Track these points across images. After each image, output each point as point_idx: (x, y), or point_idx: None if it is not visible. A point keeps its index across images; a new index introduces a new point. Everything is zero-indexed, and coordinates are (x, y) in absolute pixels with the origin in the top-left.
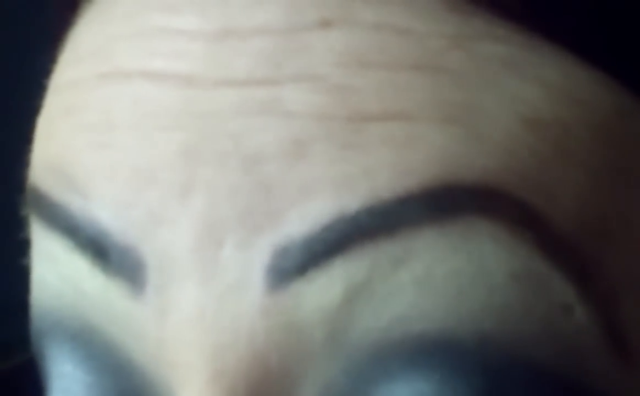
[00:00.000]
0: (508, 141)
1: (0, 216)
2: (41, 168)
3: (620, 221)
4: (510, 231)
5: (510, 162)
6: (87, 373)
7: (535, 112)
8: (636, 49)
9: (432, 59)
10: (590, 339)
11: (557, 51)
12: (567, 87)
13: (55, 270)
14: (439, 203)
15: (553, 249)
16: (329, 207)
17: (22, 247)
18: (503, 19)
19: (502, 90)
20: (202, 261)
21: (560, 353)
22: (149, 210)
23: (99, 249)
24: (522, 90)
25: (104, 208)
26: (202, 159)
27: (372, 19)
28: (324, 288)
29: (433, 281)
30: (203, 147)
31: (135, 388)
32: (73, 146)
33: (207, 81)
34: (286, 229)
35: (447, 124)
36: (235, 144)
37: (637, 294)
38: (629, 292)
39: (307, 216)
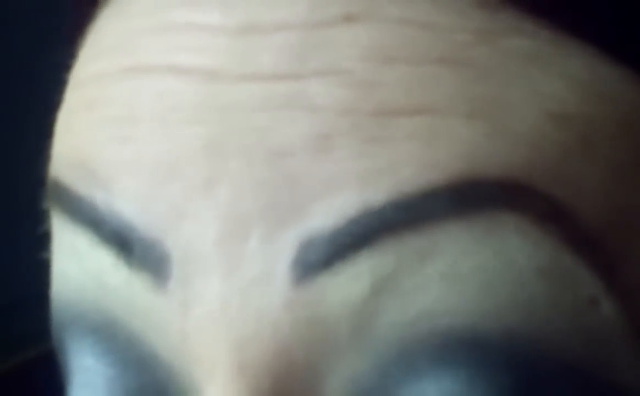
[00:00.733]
0: (533, 135)
1: (1, 216)
2: (63, 162)
3: None
4: (536, 225)
5: (535, 156)
6: (108, 366)
7: (561, 107)
8: None
9: (457, 54)
10: (616, 332)
11: (582, 46)
12: (592, 82)
13: (77, 263)
14: (465, 198)
15: (579, 243)
16: (354, 201)
17: (22, 247)
18: (528, 14)
19: (528, 84)
20: (227, 254)
21: (586, 347)
22: (173, 203)
23: (123, 242)
24: (547, 84)
25: (128, 202)
26: (227, 153)
27: (397, 13)
28: (349, 282)
29: (459, 275)
30: (227, 141)
31: (158, 381)
32: (96, 140)
33: (232, 75)
34: (311, 222)
35: (472, 118)
36: (260, 138)
37: None
38: None
39: (332, 209)
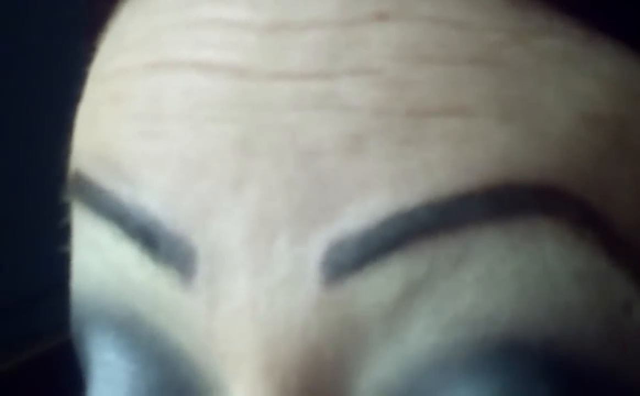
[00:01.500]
0: (567, 138)
1: (1, 216)
2: (86, 155)
3: None
4: (571, 230)
5: (569, 159)
6: (131, 361)
7: (594, 108)
8: None
9: (490, 53)
10: None
11: (615, 46)
12: (625, 83)
13: (99, 257)
14: (500, 202)
15: (613, 247)
16: (387, 202)
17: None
18: (561, 13)
19: (561, 85)
20: (255, 253)
21: (620, 353)
22: (201, 201)
23: (149, 238)
24: (580, 85)
25: (154, 197)
26: (257, 152)
27: (429, 11)
28: (381, 284)
29: (495, 281)
30: (257, 139)
31: (181, 377)
32: (120, 135)
33: (262, 73)
34: (342, 223)
35: (506, 120)
36: (290, 138)
37: None
38: None
39: (364, 211)
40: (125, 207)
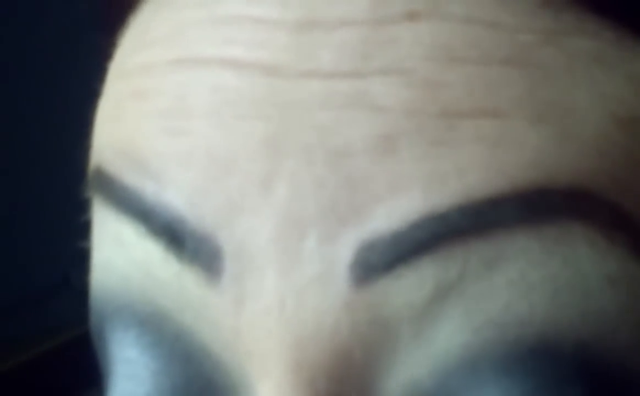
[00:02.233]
0: (599, 141)
1: (1, 216)
2: (108, 151)
3: None
4: (604, 234)
5: (602, 162)
6: (154, 359)
7: (626, 110)
8: None
9: (522, 54)
10: None
11: None
12: None
13: (122, 253)
14: (533, 206)
15: None
16: (418, 204)
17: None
18: (593, 14)
19: (593, 87)
20: (284, 252)
21: None
22: (228, 199)
23: (174, 235)
24: (612, 87)
25: (179, 195)
26: (286, 151)
27: (461, 11)
28: (412, 286)
29: (527, 285)
30: (287, 138)
31: (206, 375)
32: (145, 131)
33: (292, 71)
34: (373, 224)
35: (539, 122)
36: (320, 137)
37: None
38: None
39: (395, 212)
40: (149, 204)
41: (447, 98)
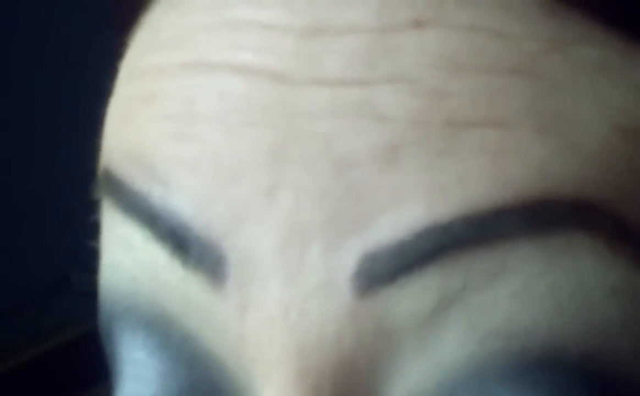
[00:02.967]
0: (604, 151)
1: (1, 216)
2: (117, 153)
3: None
4: (607, 245)
5: (605, 173)
6: (161, 361)
7: (630, 121)
8: None
9: (527, 63)
10: None
11: None
12: None
13: (130, 256)
14: (537, 217)
15: None
16: (422, 214)
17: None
18: (598, 22)
19: (597, 97)
20: (288, 260)
21: None
22: (233, 206)
23: (179, 241)
24: (617, 97)
25: (186, 201)
26: (291, 159)
27: (466, 20)
28: (415, 296)
29: (531, 296)
30: (292, 147)
31: (210, 380)
32: (153, 135)
33: (299, 78)
34: (376, 234)
35: (543, 133)
36: (326, 146)
37: None
38: None
39: (398, 222)
40: (156, 209)
41: (452, 108)
